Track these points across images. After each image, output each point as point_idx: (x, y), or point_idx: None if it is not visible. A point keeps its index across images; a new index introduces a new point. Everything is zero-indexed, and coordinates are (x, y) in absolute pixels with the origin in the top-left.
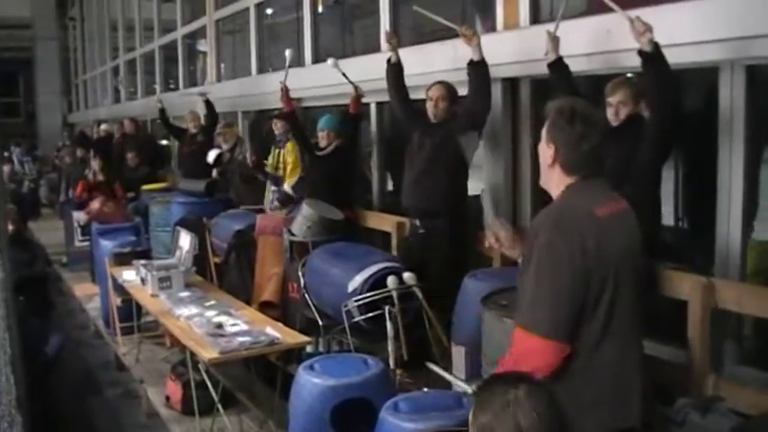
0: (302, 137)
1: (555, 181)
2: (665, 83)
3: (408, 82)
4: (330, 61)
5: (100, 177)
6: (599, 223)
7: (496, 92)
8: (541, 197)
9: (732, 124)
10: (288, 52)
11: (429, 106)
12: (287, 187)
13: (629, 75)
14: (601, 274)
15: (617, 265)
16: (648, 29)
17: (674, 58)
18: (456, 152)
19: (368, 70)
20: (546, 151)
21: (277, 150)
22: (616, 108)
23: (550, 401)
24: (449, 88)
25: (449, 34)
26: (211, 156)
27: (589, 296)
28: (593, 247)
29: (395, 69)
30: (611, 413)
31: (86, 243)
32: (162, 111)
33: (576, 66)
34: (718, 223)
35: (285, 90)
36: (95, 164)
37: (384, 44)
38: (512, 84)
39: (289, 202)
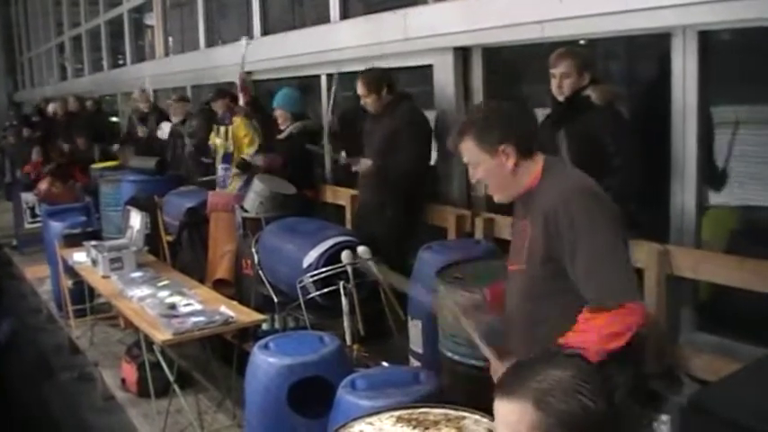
0: (266, 120)
1: (524, 176)
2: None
3: (359, 53)
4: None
5: (57, 160)
6: (604, 193)
7: (447, 61)
8: None
9: (685, 91)
10: (244, 40)
11: (364, 102)
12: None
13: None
14: (624, 238)
15: (624, 233)
16: None
17: (627, 23)
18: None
19: (317, 42)
20: (498, 161)
21: (224, 128)
22: (559, 80)
23: (598, 370)
24: (369, 84)
25: (400, 3)
26: (165, 130)
27: None
28: (616, 214)
29: None
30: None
31: (37, 225)
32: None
33: (528, 34)
34: (673, 191)
35: (242, 80)
36: (54, 147)
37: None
38: (463, 53)
39: (248, 168)
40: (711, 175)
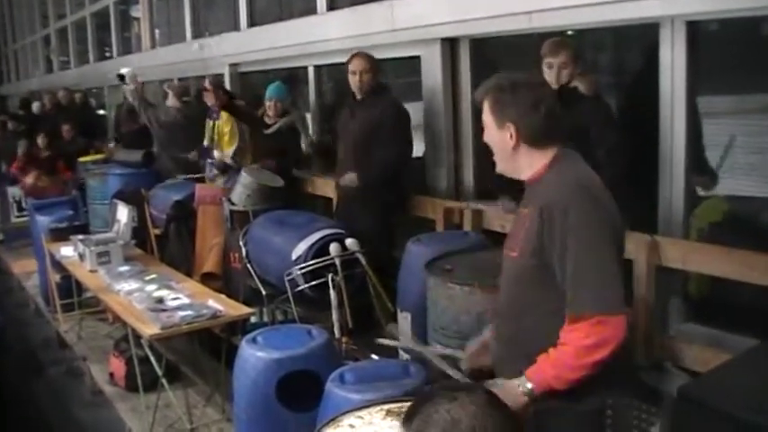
0: (248, 120)
1: (525, 161)
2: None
3: (346, 44)
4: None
5: (43, 153)
6: (607, 193)
7: (435, 52)
8: (484, 159)
9: (673, 81)
10: (196, 44)
11: (353, 81)
12: (226, 156)
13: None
14: (620, 243)
15: (623, 233)
16: None
17: (615, 14)
18: (385, 126)
19: (304, 33)
20: (502, 135)
21: (211, 123)
22: (558, 70)
23: (492, 399)
24: (370, 60)
25: None
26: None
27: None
28: (615, 213)
29: None
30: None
31: (24, 219)
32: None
33: (515, 25)
34: (661, 181)
35: (213, 87)
36: (41, 141)
37: None
38: (451, 44)
39: (227, 171)
40: (699, 167)
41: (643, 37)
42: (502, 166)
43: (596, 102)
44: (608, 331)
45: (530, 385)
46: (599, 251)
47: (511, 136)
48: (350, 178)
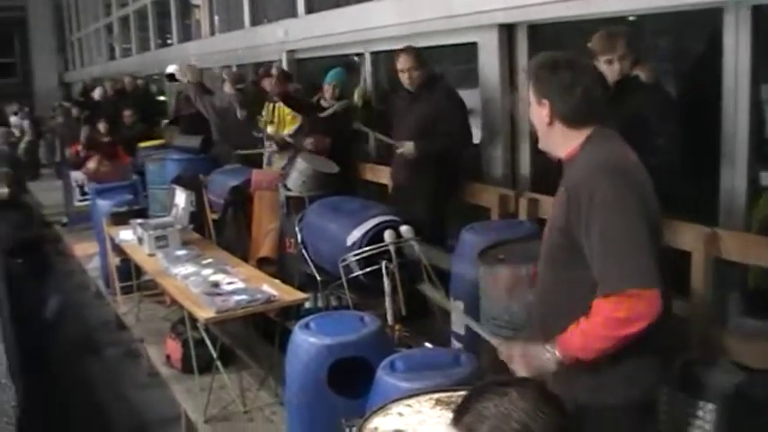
0: (303, 110)
1: (559, 139)
2: None
3: (402, 31)
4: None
5: (105, 139)
6: (642, 170)
7: (492, 39)
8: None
9: (737, 68)
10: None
11: (402, 78)
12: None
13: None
14: (654, 222)
15: (658, 215)
16: None
17: None
18: (441, 117)
19: (361, 19)
20: (540, 111)
21: (271, 105)
22: (620, 64)
23: (543, 393)
24: (416, 55)
25: None
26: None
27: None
28: (649, 193)
29: None
30: (663, 363)
31: (86, 203)
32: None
33: (574, 10)
34: (723, 172)
35: (280, 74)
36: (101, 126)
37: None
38: (508, 30)
39: (286, 148)
40: (763, 156)
41: (705, 22)
42: (541, 143)
43: (656, 90)
44: (641, 306)
45: (557, 350)
46: (628, 226)
47: (546, 112)
48: (407, 147)
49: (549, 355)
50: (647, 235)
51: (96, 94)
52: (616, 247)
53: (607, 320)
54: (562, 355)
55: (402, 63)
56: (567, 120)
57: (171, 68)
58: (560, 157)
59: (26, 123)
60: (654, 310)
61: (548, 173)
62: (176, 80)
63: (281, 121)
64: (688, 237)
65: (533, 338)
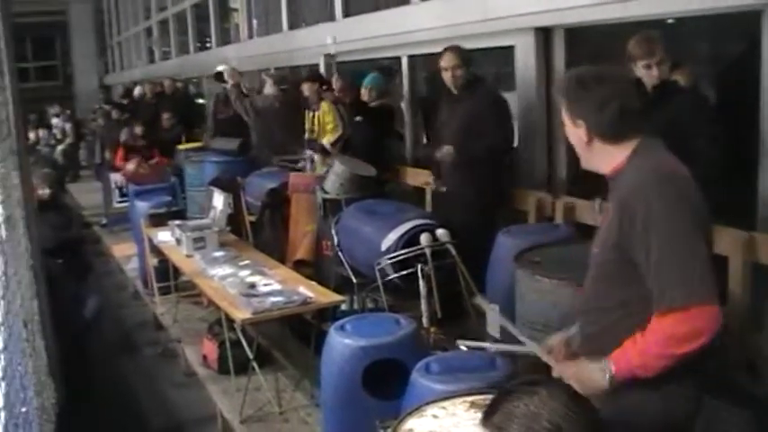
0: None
1: (601, 156)
2: None
3: (439, 34)
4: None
5: (141, 142)
6: (690, 180)
7: (529, 42)
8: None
9: None
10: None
11: (446, 77)
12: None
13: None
14: (707, 234)
15: (709, 224)
16: None
17: (716, 1)
18: (485, 118)
19: (398, 23)
20: (576, 132)
21: (311, 113)
22: (659, 69)
23: (572, 394)
24: (461, 54)
25: None
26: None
27: None
28: (700, 203)
29: None
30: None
31: (125, 204)
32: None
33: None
34: (761, 176)
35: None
36: (138, 129)
37: None
38: (544, 34)
39: (326, 155)
40: None
41: (743, 25)
42: (583, 162)
43: (694, 94)
44: (701, 322)
45: (613, 369)
46: (685, 240)
47: (583, 133)
48: (447, 150)
49: (604, 374)
50: (705, 248)
51: (135, 93)
52: (676, 262)
53: (668, 338)
54: (618, 373)
55: (446, 61)
56: (605, 137)
57: (221, 68)
58: (605, 174)
59: (67, 126)
60: (714, 325)
61: (585, 176)
62: (224, 81)
63: (322, 129)
64: (725, 241)
65: (579, 356)
